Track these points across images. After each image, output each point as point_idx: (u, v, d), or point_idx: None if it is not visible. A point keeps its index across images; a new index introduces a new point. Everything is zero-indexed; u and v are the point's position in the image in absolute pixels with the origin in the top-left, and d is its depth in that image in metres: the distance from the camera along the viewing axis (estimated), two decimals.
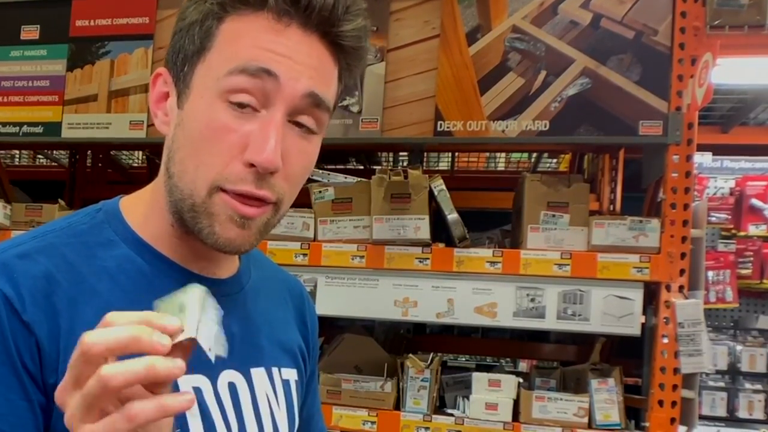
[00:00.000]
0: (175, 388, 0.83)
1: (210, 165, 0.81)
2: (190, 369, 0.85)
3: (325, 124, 0.87)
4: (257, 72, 0.79)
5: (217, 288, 0.92)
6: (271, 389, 0.96)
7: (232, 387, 0.90)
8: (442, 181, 2.28)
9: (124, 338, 0.61)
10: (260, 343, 0.97)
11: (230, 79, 0.80)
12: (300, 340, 1.06)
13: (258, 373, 0.95)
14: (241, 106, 0.80)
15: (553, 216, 2.22)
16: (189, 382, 0.85)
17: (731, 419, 3.51)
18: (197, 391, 0.86)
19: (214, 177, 0.81)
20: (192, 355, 0.74)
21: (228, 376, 0.90)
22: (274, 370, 0.98)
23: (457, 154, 3.93)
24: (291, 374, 1.01)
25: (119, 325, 0.62)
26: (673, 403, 2.07)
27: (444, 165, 4.12)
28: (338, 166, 3.77)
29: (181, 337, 0.63)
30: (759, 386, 3.53)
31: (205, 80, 0.83)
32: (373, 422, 2.28)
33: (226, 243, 0.83)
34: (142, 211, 0.90)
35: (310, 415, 1.11)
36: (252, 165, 0.80)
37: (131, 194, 0.94)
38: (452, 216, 2.25)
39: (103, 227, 0.89)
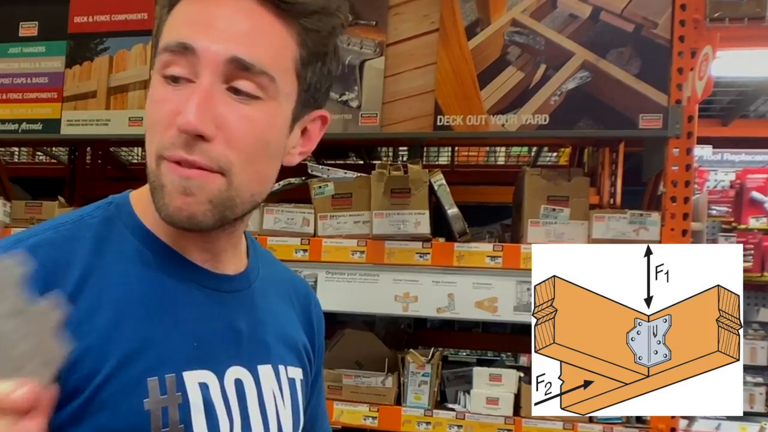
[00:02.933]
0: (181, 384, 0.83)
1: (153, 136, 0.83)
2: (196, 364, 0.85)
3: (269, 88, 0.83)
4: (177, 47, 0.81)
5: (226, 284, 0.92)
6: (277, 387, 0.95)
7: (238, 384, 0.90)
8: (442, 175, 2.28)
9: None
10: (267, 341, 0.96)
11: (160, 58, 0.83)
12: (306, 340, 1.06)
13: (265, 371, 0.94)
14: (174, 79, 0.82)
15: (554, 210, 2.22)
16: (196, 378, 0.85)
17: None
18: (203, 387, 0.86)
19: (156, 147, 0.83)
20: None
21: (235, 372, 0.90)
22: (281, 368, 0.97)
23: (456, 148, 3.93)
24: (297, 373, 1.01)
25: None
26: None
27: (444, 159, 4.12)
28: (338, 161, 3.77)
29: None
30: (760, 379, 3.54)
31: (154, 63, 0.85)
32: (374, 417, 2.29)
33: (175, 212, 0.82)
34: (147, 204, 0.90)
35: (314, 416, 1.11)
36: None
37: (141, 188, 0.94)
38: (452, 210, 2.25)
39: (113, 220, 0.89)
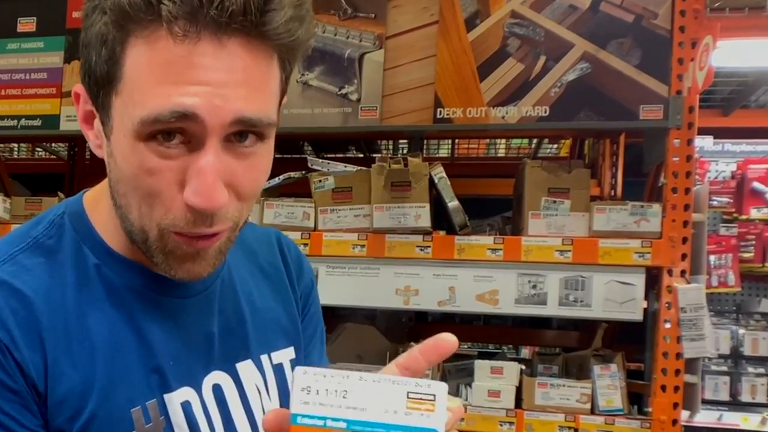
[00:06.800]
0: (163, 407, 0.81)
1: (151, 209, 0.74)
2: (176, 383, 0.83)
3: (270, 133, 0.76)
4: (172, 118, 0.69)
5: (191, 288, 0.86)
6: (261, 381, 0.92)
7: (217, 390, 0.87)
8: (442, 168, 2.27)
9: None
10: (245, 334, 0.92)
11: (146, 128, 0.70)
12: (285, 310, 0.99)
13: (245, 367, 0.91)
14: (167, 148, 0.72)
15: (554, 202, 2.21)
16: (177, 398, 0.83)
17: (734, 403, 3.52)
18: (187, 405, 0.84)
19: (159, 221, 0.75)
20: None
21: (212, 378, 0.87)
22: (263, 358, 0.93)
23: (457, 141, 3.92)
24: (284, 355, 0.96)
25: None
26: (676, 388, 2.06)
27: (444, 152, 4.11)
28: (338, 155, 3.76)
29: None
30: (762, 370, 3.54)
31: (123, 119, 0.72)
32: None
33: (185, 276, 0.79)
34: (105, 215, 0.85)
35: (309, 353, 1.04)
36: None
37: (95, 188, 0.88)
38: (453, 203, 2.24)
39: (69, 236, 0.84)
